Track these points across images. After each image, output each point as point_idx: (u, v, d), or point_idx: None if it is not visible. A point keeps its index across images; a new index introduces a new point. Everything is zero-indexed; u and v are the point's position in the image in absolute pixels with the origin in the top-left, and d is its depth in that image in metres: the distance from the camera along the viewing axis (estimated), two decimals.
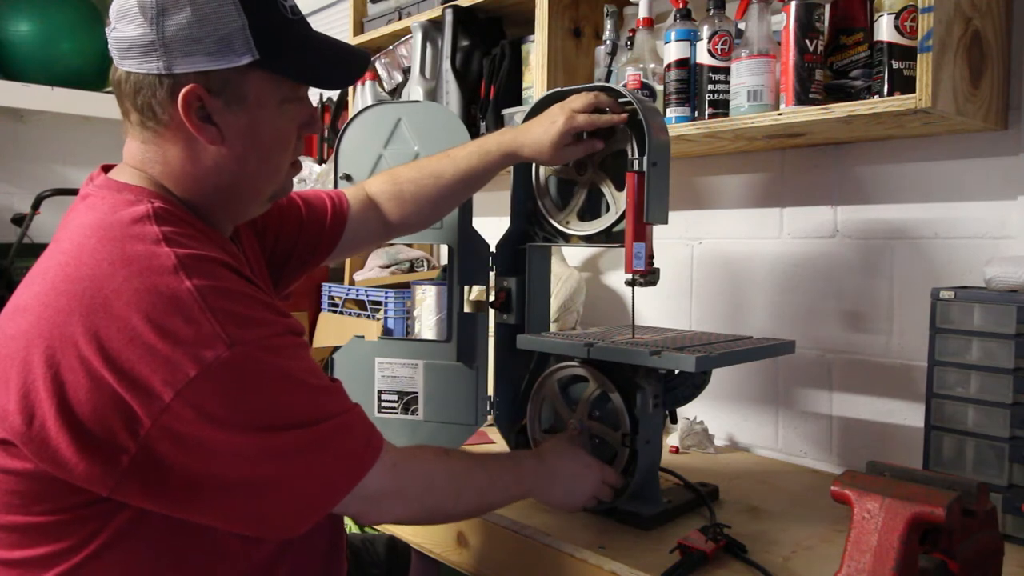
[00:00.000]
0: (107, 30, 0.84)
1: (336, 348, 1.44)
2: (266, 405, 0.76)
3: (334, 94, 2.35)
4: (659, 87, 1.38)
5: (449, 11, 1.73)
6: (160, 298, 0.73)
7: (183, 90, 0.81)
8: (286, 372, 0.78)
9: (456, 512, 0.99)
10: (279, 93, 0.87)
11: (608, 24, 1.54)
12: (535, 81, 1.61)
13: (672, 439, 1.51)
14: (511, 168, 1.26)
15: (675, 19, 1.35)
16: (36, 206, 2.54)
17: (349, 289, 2.03)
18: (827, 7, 1.19)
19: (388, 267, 2.03)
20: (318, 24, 2.59)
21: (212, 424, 0.73)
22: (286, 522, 0.80)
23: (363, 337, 1.40)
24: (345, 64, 0.94)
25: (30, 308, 0.77)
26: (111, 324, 0.72)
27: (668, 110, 1.34)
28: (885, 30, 1.09)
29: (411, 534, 1.30)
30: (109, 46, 0.84)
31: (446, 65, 1.74)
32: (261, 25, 0.83)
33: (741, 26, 1.27)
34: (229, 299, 0.76)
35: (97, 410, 0.72)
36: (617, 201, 1.17)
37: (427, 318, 1.68)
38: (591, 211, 1.21)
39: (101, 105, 2.76)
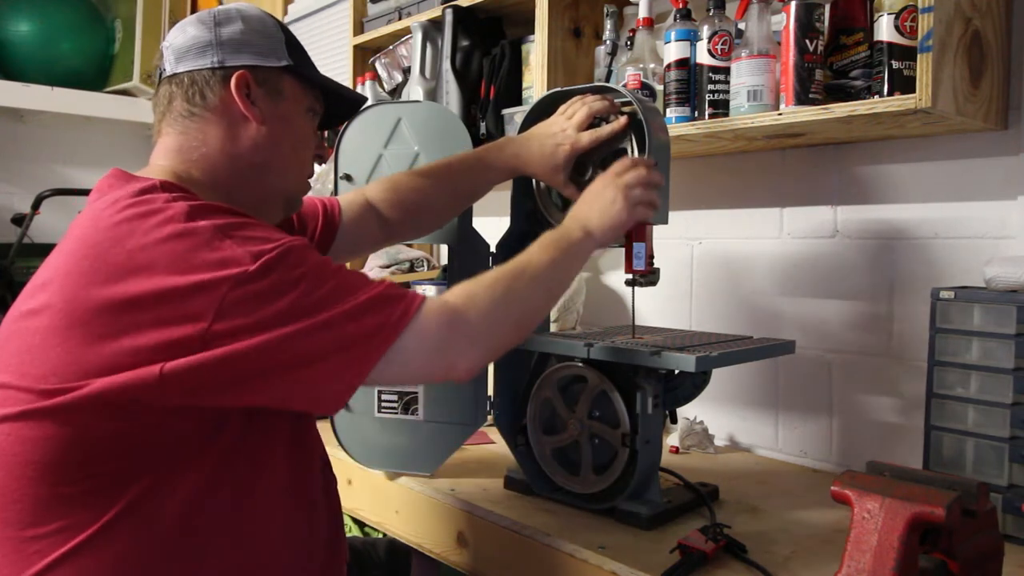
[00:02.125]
0: (163, 47, 0.99)
1: None
2: (296, 299, 0.80)
3: None
4: (659, 87, 1.38)
5: (449, 11, 1.73)
6: (181, 238, 0.80)
7: (235, 74, 0.95)
8: (311, 266, 0.83)
9: (531, 315, 0.97)
10: (305, 100, 1.02)
11: (608, 24, 1.54)
12: (535, 81, 1.61)
13: (672, 439, 1.51)
14: None
15: (675, 19, 1.35)
16: (36, 206, 2.54)
17: None
18: (827, 7, 1.19)
19: (388, 267, 2.03)
20: (318, 23, 2.59)
21: (251, 332, 0.77)
22: (335, 392, 0.83)
23: None
24: (347, 92, 1.10)
25: (53, 281, 0.82)
26: (139, 275, 0.78)
27: (668, 110, 1.34)
28: (885, 30, 1.09)
29: (411, 535, 1.30)
30: (163, 62, 0.98)
31: (446, 65, 1.74)
32: (292, 45, 1.01)
33: (741, 26, 1.27)
34: (244, 229, 0.83)
35: (141, 354, 0.76)
36: None
37: None
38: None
39: (101, 105, 2.75)
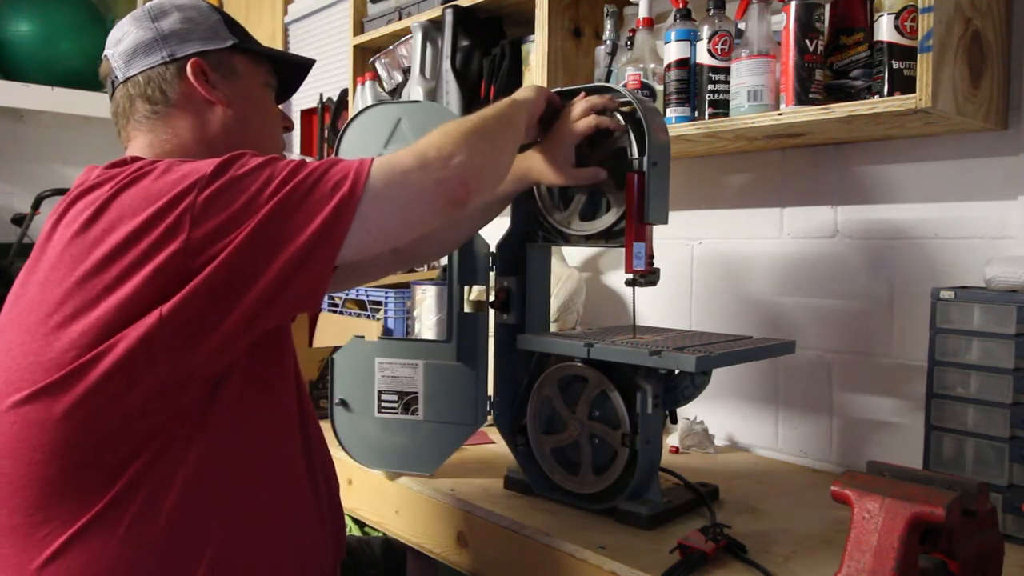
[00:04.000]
0: (107, 56, 0.99)
1: (336, 348, 1.44)
2: (260, 186, 0.82)
3: (334, 94, 2.35)
4: (659, 87, 1.38)
5: (449, 11, 1.73)
6: (143, 177, 0.83)
7: (189, 64, 0.97)
8: (264, 159, 0.85)
9: (492, 134, 0.98)
10: (260, 76, 1.04)
11: (608, 24, 1.54)
12: (535, 81, 1.61)
13: (672, 439, 1.51)
14: None
15: (675, 19, 1.35)
16: (36, 206, 2.54)
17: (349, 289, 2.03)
18: (827, 7, 1.19)
19: None
20: (318, 23, 2.59)
21: (229, 229, 0.79)
22: (326, 257, 0.83)
23: (363, 337, 1.40)
24: (294, 58, 1.11)
25: (41, 260, 0.84)
26: (113, 226, 0.80)
27: (668, 110, 1.34)
28: (885, 30, 1.09)
29: (411, 535, 1.30)
30: (112, 69, 0.99)
31: (446, 65, 1.74)
32: (231, 23, 1.03)
33: (741, 26, 1.27)
34: (194, 159, 0.87)
35: (136, 299, 0.78)
36: (617, 201, 1.17)
37: (427, 318, 1.68)
38: (591, 211, 1.21)
39: (101, 105, 2.75)
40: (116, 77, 0.99)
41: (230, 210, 0.80)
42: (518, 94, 1.11)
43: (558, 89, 1.22)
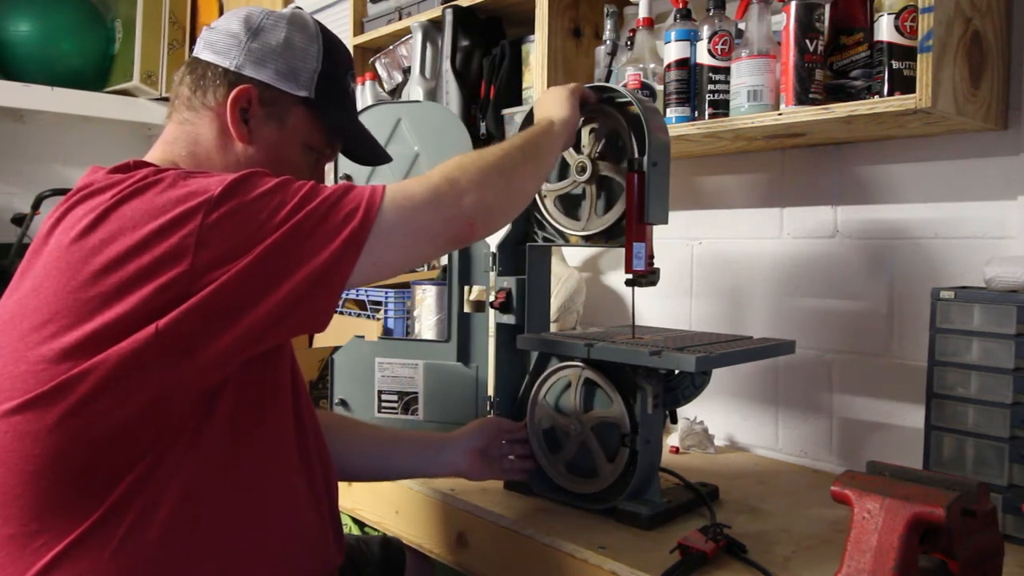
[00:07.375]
0: (203, 32, 0.99)
1: (336, 348, 1.44)
2: (271, 211, 0.80)
3: None
4: (659, 87, 1.38)
5: (449, 11, 1.73)
6: (147, 188, 0.81)
7: (239, 86, 0.94)
8: (277, 181, 0.84)
9: (511, 168, 0.96)
10: (307, 138, 1.00)
11: (608, 24, 1.54)
12: (535, 81, 1.61)
13: (672, 439, 1.51)
14: None
15: (675, 19, 1.35)
16: (36, 206, 2.54)
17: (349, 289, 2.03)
18: (827, 7, 1.19)
19: None
20: None
21: (236, 254, 0.78)
22: (333, 286, 0.82)
23: (363, 337, 1.40)
24: (372, 147, 1.09)
25: (35, 264, 0.83)
26: (113, 236, 0.79)
27: (668, 110, 1.34)
28: (885, 30, 1.09)
29: (411, 535, 1.30)
30: (198, 41, 0.99)
31: (446, 65, 1.74)
32: (327, 79, 0.98)
33: (741, 26, 1.27)
34: (208, 172, 0.86)
35: (134, 315, 0.77)
36: (617, 202, 1.17)
37: (427, 318, 1.68)
38: (591, 211, 1.21)
39: (101, 105, 2.75)
40: (194, 47, 0.99)
41: (238, 235, 0.78)
42: (555, 113, 1.07)
43: (589, 85, 1.21)
